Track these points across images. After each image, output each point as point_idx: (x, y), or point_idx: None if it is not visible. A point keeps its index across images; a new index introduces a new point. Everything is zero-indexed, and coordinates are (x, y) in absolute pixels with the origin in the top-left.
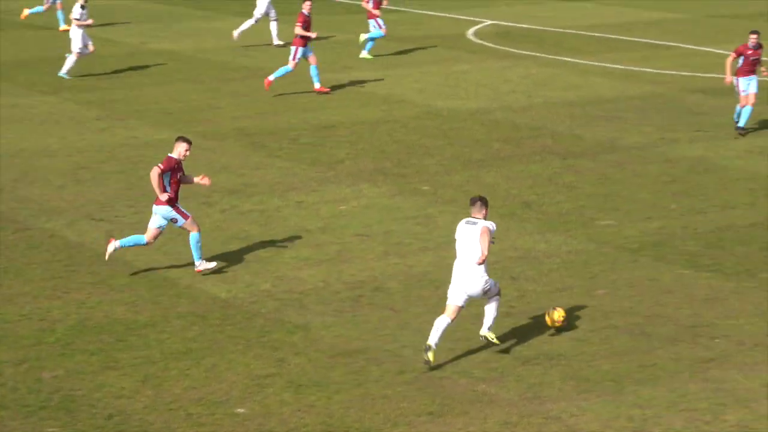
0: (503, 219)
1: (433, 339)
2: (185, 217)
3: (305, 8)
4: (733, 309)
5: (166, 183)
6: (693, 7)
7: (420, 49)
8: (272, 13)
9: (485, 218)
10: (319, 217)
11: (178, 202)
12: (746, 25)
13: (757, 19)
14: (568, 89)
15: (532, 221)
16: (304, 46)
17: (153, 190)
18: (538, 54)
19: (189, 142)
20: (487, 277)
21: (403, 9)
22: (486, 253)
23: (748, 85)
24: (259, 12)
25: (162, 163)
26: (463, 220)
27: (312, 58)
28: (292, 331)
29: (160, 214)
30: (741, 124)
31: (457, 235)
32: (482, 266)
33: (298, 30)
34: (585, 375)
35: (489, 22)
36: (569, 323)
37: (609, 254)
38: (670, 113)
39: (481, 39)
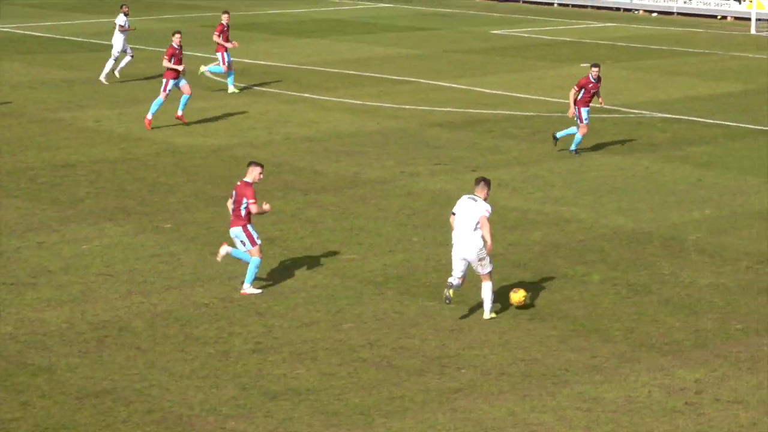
0: None
1: (453, 282)
2: (253, 243)
3: (174, 41)
4: (477, 339)
5: (242, 207)
6: (428, 43)
7: (157, 85)
8: (129, 50)
9: (485, 199)
10: (61, 257)
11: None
12: (482, 61)
13: (489, 53)
14: (308, 125)
15: (277, 257)
16: (175, 78)
17: None
18: (277, 90)
19: (262, 166)
20: (482, 246)
21: (140, 47)
22: (490, 241)
23: (588, 114)
24: (116, 50)
25: (249, 195)
26: (465, 196)
27: (185, 88)
28: (36, 373)
29: (232, 235)
30: (572, 146)
31: (457, 208)
32: (479, 237)
33: (166, 63)
34: (334, 409)
35: None
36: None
37: (354, 288)
38: (409, 147)
39: (219, 76)
